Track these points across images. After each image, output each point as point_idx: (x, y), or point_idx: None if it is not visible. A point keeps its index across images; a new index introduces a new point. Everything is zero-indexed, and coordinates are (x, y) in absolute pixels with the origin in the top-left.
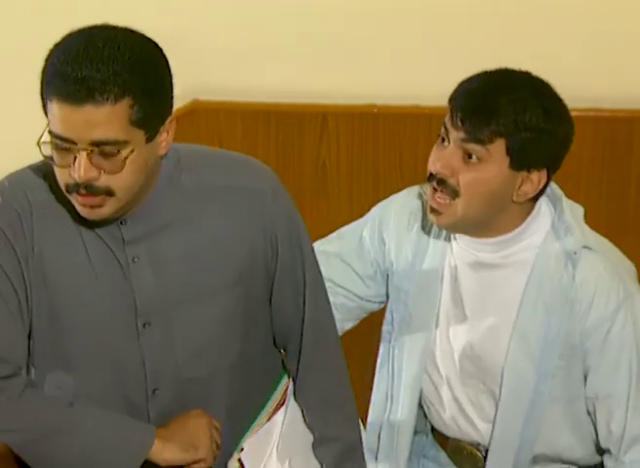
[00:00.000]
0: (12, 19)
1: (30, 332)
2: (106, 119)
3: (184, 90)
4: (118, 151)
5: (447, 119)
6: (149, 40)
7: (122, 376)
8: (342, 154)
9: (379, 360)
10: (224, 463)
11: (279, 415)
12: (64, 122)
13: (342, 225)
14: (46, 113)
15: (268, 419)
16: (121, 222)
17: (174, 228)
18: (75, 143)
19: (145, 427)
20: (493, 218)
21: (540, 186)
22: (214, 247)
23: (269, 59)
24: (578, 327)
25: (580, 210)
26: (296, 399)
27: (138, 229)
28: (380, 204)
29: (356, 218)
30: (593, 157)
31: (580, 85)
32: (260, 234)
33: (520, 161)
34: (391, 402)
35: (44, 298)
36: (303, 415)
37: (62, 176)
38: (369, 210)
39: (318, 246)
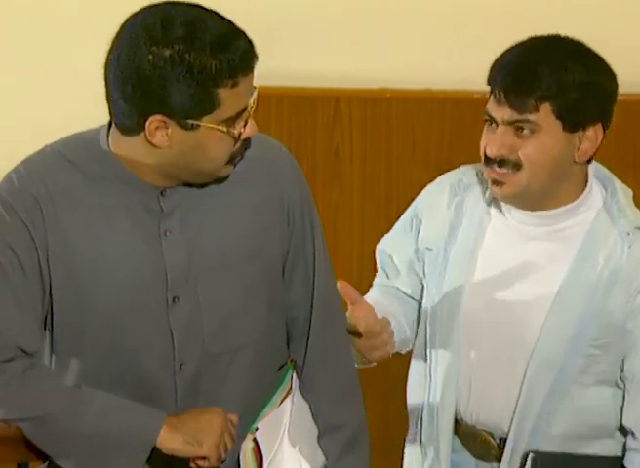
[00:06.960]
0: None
1: (52, 320)
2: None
3: None
4: None
5: (490, 102)
6: None
7: (150, 354)
8: (355, 138)
9: (415, 342)
10: (239, 444)
11: (287, 403)
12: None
13: (355, 210)
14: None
15: (279, 404)
16: (161, 193)
17: (202, 199)
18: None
19: (154, 413)
20: (556, 187)
21: (599, 141)
22: (237, 216)
23: (282, 43)
24: (624, 307)
25: (629, 192)
26: (302, 389)
27: (174, 200)
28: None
29: (369, 203)
30: (609, 141)
31: None
32: (277, 202)
33: (572, 121)
34: (430, 384)
35: (70, 283)
36: (310, 408)
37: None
38: (382, 194)
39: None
